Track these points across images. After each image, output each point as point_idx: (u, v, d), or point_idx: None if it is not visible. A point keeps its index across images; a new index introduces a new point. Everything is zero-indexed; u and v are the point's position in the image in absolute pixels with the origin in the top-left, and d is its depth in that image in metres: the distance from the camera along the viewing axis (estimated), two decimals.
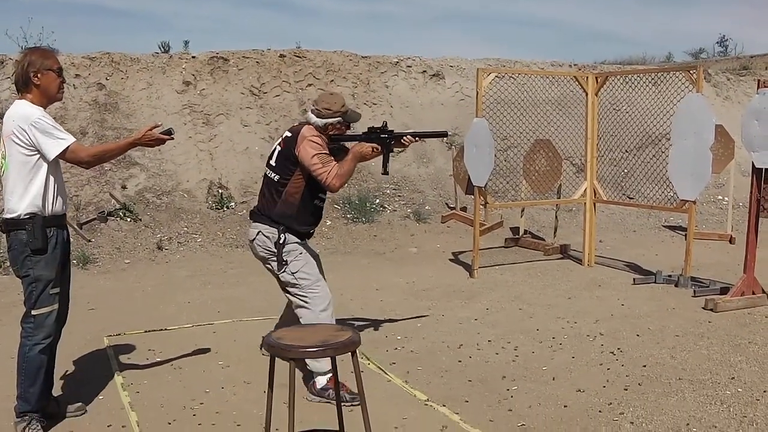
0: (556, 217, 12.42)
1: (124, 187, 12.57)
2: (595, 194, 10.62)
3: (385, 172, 6.06)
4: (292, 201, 5.72)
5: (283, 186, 5.72)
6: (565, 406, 5.44)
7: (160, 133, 5.09)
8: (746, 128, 8.17)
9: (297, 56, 15.88)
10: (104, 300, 8.76)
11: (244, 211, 12.73)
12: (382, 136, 5.79)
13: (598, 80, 10.67)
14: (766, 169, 8.12)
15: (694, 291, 8.83)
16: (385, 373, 6.21)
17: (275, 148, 5.87)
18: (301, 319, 5.73)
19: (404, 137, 5.83)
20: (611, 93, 12.82)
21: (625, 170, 14.99)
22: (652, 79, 13.20)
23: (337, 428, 4.39)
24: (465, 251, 11.31)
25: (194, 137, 13.86)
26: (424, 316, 7.95)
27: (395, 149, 5.84)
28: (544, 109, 13.50)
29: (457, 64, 17.48)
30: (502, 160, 14.15)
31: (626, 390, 5.74)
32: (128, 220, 11.98)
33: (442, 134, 6.33)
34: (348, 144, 5.88)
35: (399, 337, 7.19)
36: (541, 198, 11.69)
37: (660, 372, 6.14)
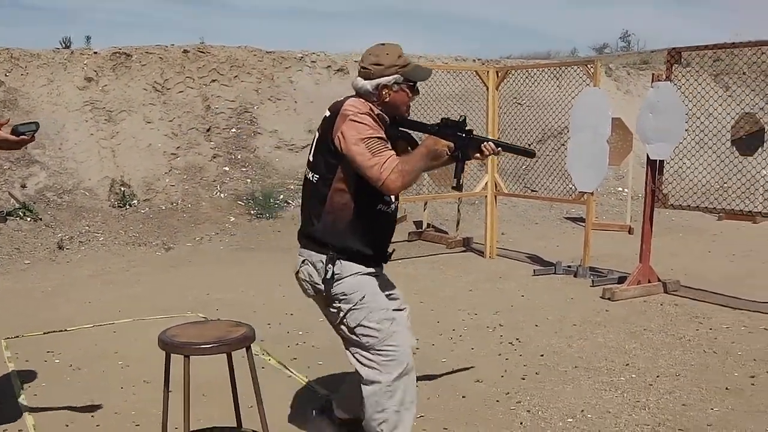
0: (458, 210, 12.54)
1: (23, 186, 12.29)
2: (496, 187, 10.75)
3: (458, 186, 4.15)
4: (340, 210, 3.93)
5: (326, 189, 3.93)
6: (463, 397, 5.50)
7: (20, 129, 4.13)
8: (641, 121, 8.39)
9: (201, 51, 15.71)
10: (2, 301, 8.56)
11: (147, 209, 12.60)
12: (459, 134, 4.04)
13: (499, 74, 10.80)
14: (660, 160, 8.34)
15: (593, 281, 9.02)
16: (287, 368, 6.20)
17: (315, 136, 4.11)
18: (364, 390, 4.08)
19: (485, 144, 4.07)
20: (513, 87, 12.97)
21: (527, 163, 15.18)
22: (554, 73, 13.43)
23: (235, 425, 4.38)
24: None
25: (96, 134, 13.61)
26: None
27: (473, 157, 4.14)
28: (447, 103, 13.59)
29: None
30: None
31: (523, 379, 5.83)
32: (28, 219, 11.72)
33: (530, 154, 4.32)
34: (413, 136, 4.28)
35: (301, 333, 7.17)
36: (444, 191, 11.77)
37: (557, 361, 6.26)
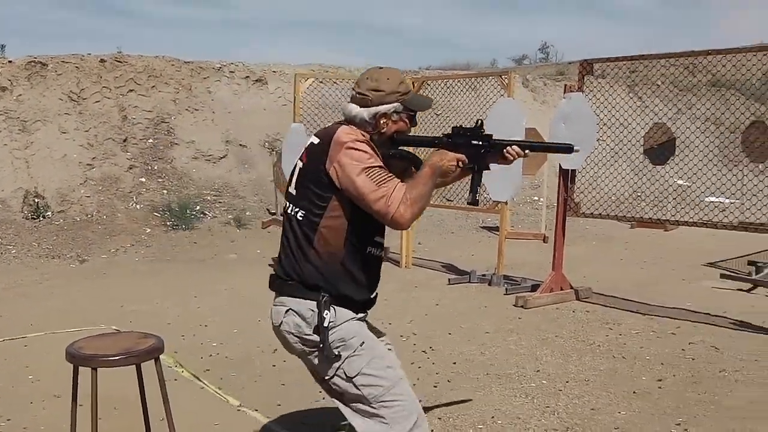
0: None
1: None
2: None
3: (474, 201, 3.70)
4: (331, 250, 3.44)
5: (314, 226, 3.43)
6: None
7: None
8: (554, 130, 8.51)
9: (118, 61, 15.55)
10: None
11: (61, 220, 12.41)
12: (474, 142, 3.59)
13: (415, 85, 10.87)
14: (572, 169, 8.48)
15: (506, 289, 9.12)
16: (199, 380, 6.15)
17: (296, 164, 3.59)
18: None
19: (509, 148, 3.58)
20: (431, 97, 13.04)
21: None
22: (471, 84, 13.54)
23: None
24: None
25: (9, 144, 13.37)
26: (264, 320, 7.90)
27: (492, 164, 3.64)
28: None
29: (280, 70, 17.49)
30: None
31: (435, 387, 5.86)
32: None
33: (568, 149, 3.68)
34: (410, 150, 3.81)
35: (215, 344, 7.12)
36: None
37: (469, 368, 6.31)
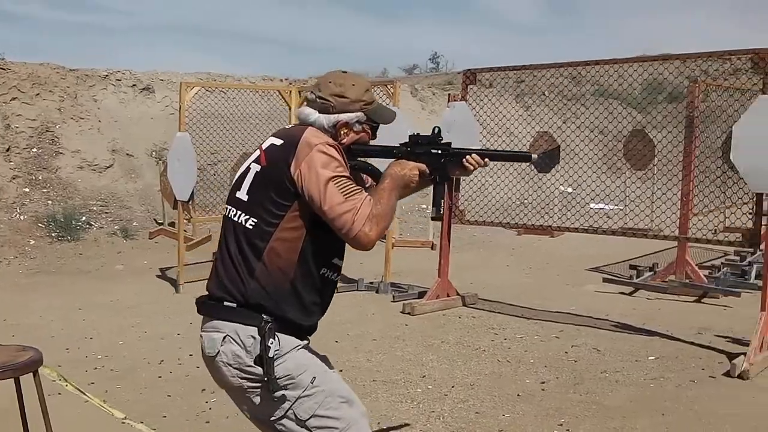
0: None
1: None
2: None
3: (439, 215, 3.56)
4: (281, 266, 3.00)
5: (265, 237, 3.00)
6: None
7: None
8: None
9: (0, 68, 15.16)
10: None
11: None
12: (434, 151, 3.30)
13: (301, 94, 10.84)
14: (457, 177, 8.56)
15: (394, 296, 9.18)
16: (83, 393, 6.01)
17: (248, 167, 3.15)
18: None
19: (468, 157, 3.31)
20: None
21: None
22: None
23: None
24: (173, 267, 11.17)
25: None
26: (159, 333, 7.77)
27: (454, 175, 3.42)
28: (253, 122, 13.53)
29: (167, 78, 17.29)
30: (212, 173, 14.09)
31: None
32: None
33: (526, 158, 3.43)
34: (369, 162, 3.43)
35: (100, 357, 7.00)
36: None
37: (356, 375, 6.31)
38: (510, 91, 20.49)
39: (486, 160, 3.35)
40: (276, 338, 2.93)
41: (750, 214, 7.57)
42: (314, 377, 3.00)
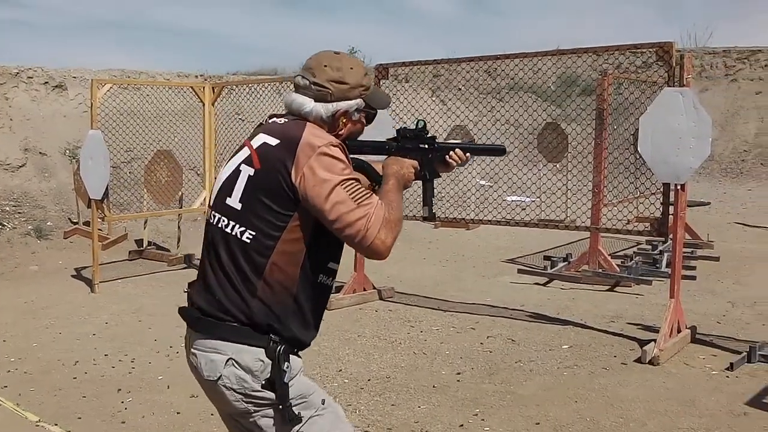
0: (178, 227, 12.39)
1: None
2: None
3: (431, 215, 3.28)
4: (284, 282, 2.70)
5: (266, 252, 2.68)
6: (178, 413, 5.49)
7: None
8: None
9: None
10: None
11: None
12: (422, 146, 3.13)
13: (215, 90, 10.79)
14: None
15: None
16: None
17: (237, 170, 2.80)
18: None
19: (452, 152, 3.15)
20: (236, 103, 13.00)
21: None
22: (276, 88, 13.53)
23: None
24: (88, 266, 11.01)
25: None
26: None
27: (440, 171, 3.19)
28: (168, 119, 13.42)
29: (80, 75, 16.99)
30: (126, 172, 13.98)
31: None
32: None
33: (500, 151, 3.35)
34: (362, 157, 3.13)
35: (13, 359, 6.88)
36: (164, 209, 11.61)
37: None
38: (426, 85, 20.65)
39: (468, 155, 3.17)
40: (287, 361, 2.66)
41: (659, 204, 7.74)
42: (323, 399, 2.82)
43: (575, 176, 10.49)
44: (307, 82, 2.81)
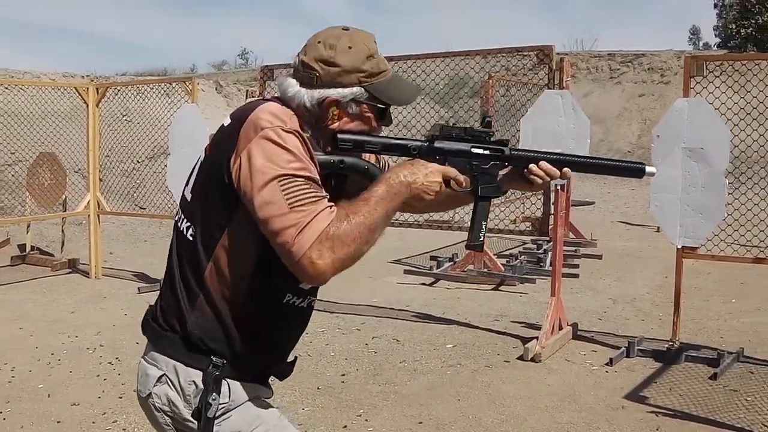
0: (62, 231, 12.13)
1: None
2: (99, 206, 10.51)
3: (477, 244, 2.38)
4: (226, 289, 2.23)
5: (207, 256, 2.23)
6: (58, 422, 5.37)
7: None
8: None
9: None
10: None
11: None
12: (477, 151, 2.36)
13: (99, 91, 10.59)
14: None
15: None
16: None
17: (198, 160, 2.34)
18: None
19: (534, 165, 2.40)
20: (123, 104, 12.79)
21: (138, 181, 15.00)
22: (165, 90, 13.35)
23: None
24: None
25: None
26: None
27: (509, 188, 2.49)
28: (54, 121, 13.13)
29: None
30: (9, 174, 13.62)
31: (121, 398, 5.76)
32: None
33: (638, 172, 2.49)
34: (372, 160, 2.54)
35: None
36: (47, 212, 11.36)
37: None
38: None
39: (566, 170, 2.44)
40: (222, 390, 2.23)
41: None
42: None
43: None
44: (297, 62, 2.28)
